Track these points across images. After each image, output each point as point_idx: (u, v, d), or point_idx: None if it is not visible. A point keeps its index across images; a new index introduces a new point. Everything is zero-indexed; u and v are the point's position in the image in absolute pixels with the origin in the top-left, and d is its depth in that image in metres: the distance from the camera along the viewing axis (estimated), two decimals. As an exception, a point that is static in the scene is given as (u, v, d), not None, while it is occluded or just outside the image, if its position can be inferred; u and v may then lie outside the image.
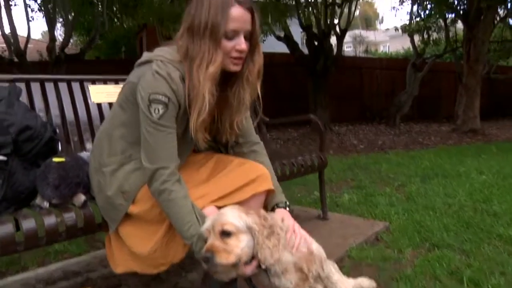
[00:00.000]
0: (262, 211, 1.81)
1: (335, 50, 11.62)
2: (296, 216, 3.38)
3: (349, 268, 2.71)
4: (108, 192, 1.84)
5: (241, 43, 1.76)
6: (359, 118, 15.02)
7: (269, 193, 1.98)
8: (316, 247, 1.93)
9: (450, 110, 15.19)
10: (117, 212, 1.85)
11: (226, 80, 1.88)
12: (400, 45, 25.55)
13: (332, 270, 2.01)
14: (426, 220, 3.45)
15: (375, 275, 2.60)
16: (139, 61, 1.82)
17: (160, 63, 1.72)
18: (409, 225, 3.36)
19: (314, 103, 11.46)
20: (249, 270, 1.69)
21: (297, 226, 1.90)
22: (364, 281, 2.38)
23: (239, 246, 1.65)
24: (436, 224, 3.35)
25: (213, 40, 1.73)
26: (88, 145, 2.65)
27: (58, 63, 9.74)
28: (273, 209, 2.00)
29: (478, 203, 3.93)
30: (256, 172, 1.93)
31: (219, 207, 1.79)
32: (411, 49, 14.84)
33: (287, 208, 2.00)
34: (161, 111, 1.69)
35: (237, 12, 1.74)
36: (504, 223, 3.37)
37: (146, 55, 1.81)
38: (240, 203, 1.83)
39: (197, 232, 1.70)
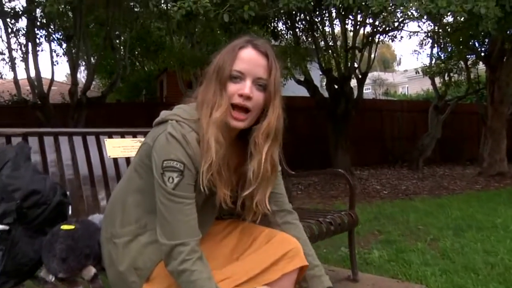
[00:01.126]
0: None
1: (355, 93, 11.50)
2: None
3: None
4: (120, 267, 1.63)
5: (245, 87, 1.55)
6: (380, 161, 14.69)
7: (304, 268, 1.75)
8: None
9: (474, 153, 14.77)
10: (129, 291, 1.63)
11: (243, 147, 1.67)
12: (420, 87, 25.39)
13: None
14: (469, 285, 3.12)
15: None
16: (156, 120, 1.65)
17: (175, 123, 1.54)
18: (449, 290, 3.04)
19: (335, 146, 11.23)
20: None
21: None
22: None
23: None
24: (480, 290, 3.03)
25: (218, 82, 1.56)
26: (103, 203, 2.48)
27: (79, 106, 9.82)
28: None
29: (523, 263, 3.58)
30: (288, 246, 1.70)
31: None
32: (431, 90, 14.65)
33: None
34: (175, 180, 1.50)
35: (248, 53, 1.58)
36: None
37: (163, 114, 1.64)
38: (269, 284, 1.60)
39: None
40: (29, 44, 9.68)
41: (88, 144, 2.58)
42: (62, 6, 7.77)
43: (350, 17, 10.65)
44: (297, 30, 11.12)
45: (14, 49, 10.59)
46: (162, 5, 8.20)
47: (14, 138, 2.27)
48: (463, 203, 6.76)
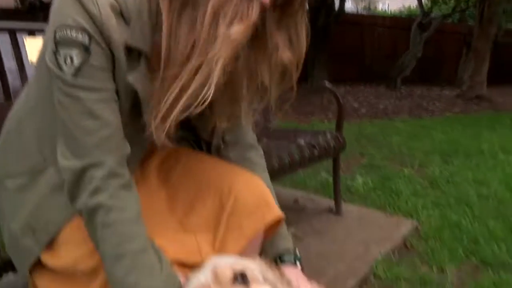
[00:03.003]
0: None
1: (337, 5, 10.69)
2: (302, 207, 2.67)
3: (379, 297, 2.03)
4: (12, 224, 1.07)
5: None
6: (357, 79, 14.17)
7: (268, 229, 1.24)
8: None
9: (452, 74, 14.45)
10: (23, 257, 1.09)
11: None
12: (401, 3, 24.19)
13: None
14: (464, 221, 2.76)
15: (415, 312, 1.92)
16: None
17: None
18: (444, 228, 2.67)
19: (312, 60, 10.54)
20: None
21: None
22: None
23: None
24: (478, 228, 2.67)
25: None
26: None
27: (32, 10, 8.56)
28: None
29: (519, 197, 3.25)
30: (252, 195, 1.18)
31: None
32: (413, 7, 13.85)
33: (297, 263, 1.27)
34: (76, 61, 0.91)
35: None
36: (560, 228, 2.69)
37: None
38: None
39: None
40: None
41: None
42: None
43: None
44: None
45: None
46: None
47: None
48: (446, 126, 6.42)
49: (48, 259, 1.09)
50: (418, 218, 2.82)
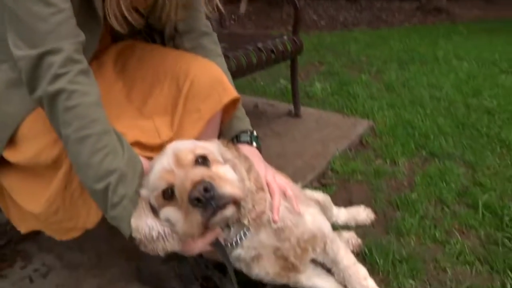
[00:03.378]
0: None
1: None
2: (262, 112, 2.69)
3: (336, 187, 2.13)
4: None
5: None
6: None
7: (225, 111, 1.25)
8: (313, 216, 1.27)
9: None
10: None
11: None
12: None
13: (340, 253, 1.36)
14: (417, 120, 2.88)
15: (368, 198, 2.04)
16: None
17: None
18: (398, 126, 2.78)
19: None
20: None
21: (271, 175, 1.21)
22: (360, 212, 1.82)
23: (231, 176, 1.02)
24: (429, 125, 2.80)
25: None
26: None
27: None
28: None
29: (468, 98, 3.40)
30: (207, 77, 1.17)
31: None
32: None
33: (254, 143, 1.29)
34: None
35: None
36: (502, 124, 2.87)
37: None
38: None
39: (122, 176, 0.98)
40: None
41: None
42: None
43: None
44: None
45: None
46: None
47: None
48: (404, 36, 6.46)
49: (10, 155, 1.08)
50: (373, 118, 2.91)
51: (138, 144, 1.12)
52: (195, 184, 0.92)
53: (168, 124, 1.18)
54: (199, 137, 1.17)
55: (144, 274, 1.55)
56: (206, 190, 0.90)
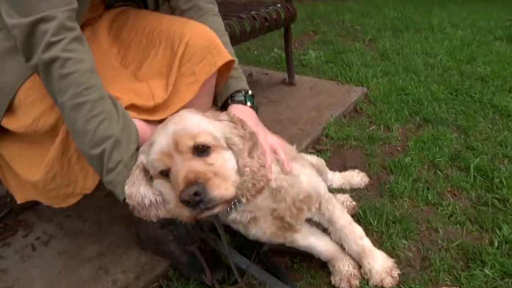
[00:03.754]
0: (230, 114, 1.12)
1: None
2: (257, 81, 2.69)
3: (330, 153, 2.16)
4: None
5: None
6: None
7: (220, 74, 1.26)
8: (308, 177, 1.28)
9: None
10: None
11: None
12: None
13: (336, 213, 1.38)
14: (411, 87, 2.89)
15: (363, 163, 2.08)
16: None
17: None
18: (392, 93, 2.79)
19: None
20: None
21: (263, 134, 1.22)
22: (354, 176, 1.85)
23: (229, 167, 1.01)
24: (422, 92, 2.81)
25: None
26: None
27: None
28: (225, 104, 1.31)
29: (462, 64, 3.40)
30: (201, 41, 1.17)
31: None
32: None
33: (249, 102, 1.30)
34: None
35: None
36: (495, 90, 2.89)
37: None
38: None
39: (117, 142, 0.99)
40: None
41: None
42: None
43: None
44: None
45: None
46: None
47: None
48: (398, 4, 6.38)
49: (9, 123, 1.09)
50: (368, 85, 2.92)
51: (132, 107, 1.13)
52: (187, 184, 0.92)
53: (163, 87, 1.19)
54: (194, 100, 1.18)
55: (143, 239, 1.58)
56: (196, 194, 0.91)
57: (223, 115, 1.07)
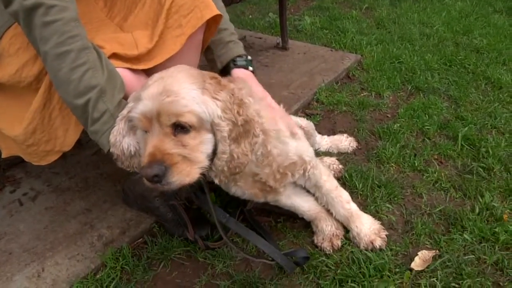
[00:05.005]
0: (229, 82, 1.10)
1: None
2: (250, 44, 2.66)
3: (320, 117, 2.16)
4: None
5: None
6: None
7: (208, 29, 1.24)
8: (297, 143, 1.28)
9: None
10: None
11: None
12: None
13: (323, 178, 1.38)
14: (405, 55, 2.86)
15: (352, 128, 2.08)
16: None
17: None
18: (385, 61, 2.77)
19: None
20: None
21: (270, 100, 1.23)
22: (342, 139, 1.85)
23: (203, 150, 0.99)
24: (416, 61, 2.79)
25: None
26: None
27: None
28: (225, 69, 1.29)
29: (458, 36, 3.36)
30: None
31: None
32: None
33: (250, 68, 1.30)
34: None
35: None
36: (490, 62, 2.87)
37: None
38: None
39: (102, 92, 0.98)
40: None
41: None
42: None
43: None
44: None
45: None
46: None
47: None
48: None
49: None
50: (362, 52, 2.89)
51: (115, 56, 1.11)
52: (150, 162, 0.92)
53: (148, 37, 1.17)
54: (181, 53, 1.16)
55: (129, 196, 1.59)
56: (156, 176, 0.92)
57: (222, 94, 1.02)
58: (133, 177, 1.46)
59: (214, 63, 1.40)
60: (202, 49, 1.34)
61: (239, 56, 1.35)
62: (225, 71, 1.38)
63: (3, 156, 1.36)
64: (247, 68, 1.35)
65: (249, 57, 1.37)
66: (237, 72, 1.33)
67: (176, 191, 1.41)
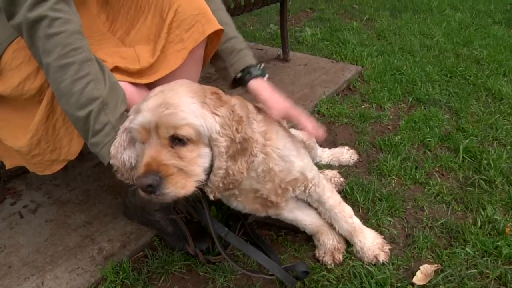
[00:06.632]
0: (229, 98, 1.09)
1: None
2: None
3: (321, 129, 2.16)
4: None
5: None
6: None
7: (210, 43, 1.24)
8: (302, 163, 1.28)
9: None
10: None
11: None
12: None
13: (326, 194, 1.38)
14: (405, 67, 2.87)
15: (353, 140, 2.08)
16: None
17: None
18: (386, 72, 2.78)
19: None
20: None
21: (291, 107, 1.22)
22: (343, 152, 1.85)
23: (200, 163, 0.99)
24: (417, 72, 2.79)
25: None
26: None
27: None
28: (240, 80, 1.28)
29: (459, 47, 3.38)
30: (190, 9, 1.15)
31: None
32: None
33: (265, 76, 1.30)
34: None
35: None
36: (490, 73, 2.88)
37: None
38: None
39: (104, 104, 0.98)
40: None
41: None
42: None
43: None
44: None
45: None
46: None
47: None
48: (398, -16, 6.29)
49: None
50: (362, 64, 2.90)
51: (117, 69, 1.12)
52: (145, 171, 0.93)
53: (149, 52, 1.18)
54: (182, 68, 1.17)
55: (129, 209, 1.59)
56: (150, 186, 0.92)
57: (222, 109, 1.01)
58: (130, 189, 1.46)
59: (226, 71, 1.38)
60: (204, 64, 1.34)
61: (253, 65, 1.35)
62: (239, 81, 1.38)
63: (6, 167, 1.36)
64: (263, 77, 1.35)
65: (263, 64, 1.37)
66: (253, 84, 1.32)
67: (172, 203, 1.42)
